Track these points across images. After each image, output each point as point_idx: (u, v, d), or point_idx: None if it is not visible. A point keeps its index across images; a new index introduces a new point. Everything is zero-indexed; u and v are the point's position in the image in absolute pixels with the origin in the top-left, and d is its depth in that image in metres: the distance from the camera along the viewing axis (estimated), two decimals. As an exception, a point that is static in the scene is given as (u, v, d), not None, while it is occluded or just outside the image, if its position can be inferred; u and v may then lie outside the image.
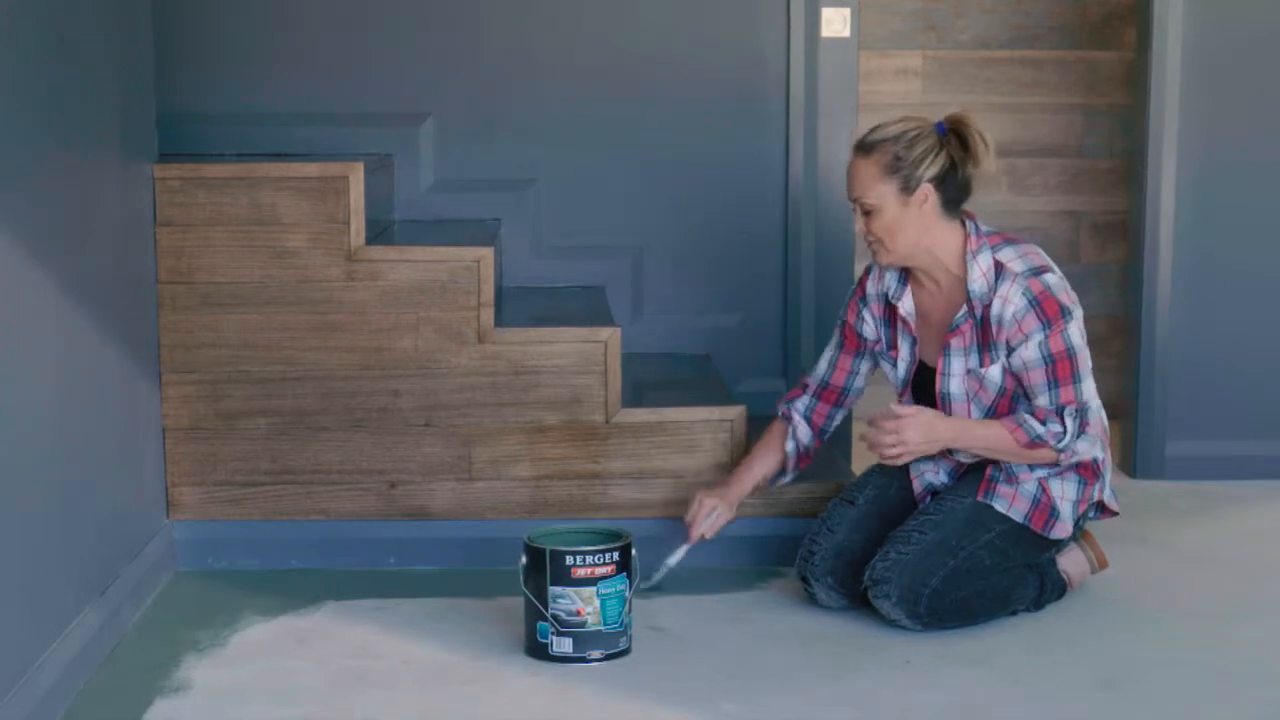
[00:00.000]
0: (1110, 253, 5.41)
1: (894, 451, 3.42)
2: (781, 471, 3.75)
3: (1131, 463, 4.70)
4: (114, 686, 3.14)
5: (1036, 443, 3.40)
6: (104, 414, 3.38)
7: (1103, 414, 3.50)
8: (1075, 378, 3.41)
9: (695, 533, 3.66)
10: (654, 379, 4.27)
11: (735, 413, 3.88)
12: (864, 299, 3.64)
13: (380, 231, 4.10)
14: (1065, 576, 3.60)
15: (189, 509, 3.84)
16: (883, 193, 3.44)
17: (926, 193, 3.43)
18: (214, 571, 3.83)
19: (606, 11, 4.60)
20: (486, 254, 3.83)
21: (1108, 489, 3.59)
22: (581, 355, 3.84)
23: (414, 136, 4.59)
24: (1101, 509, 3.62)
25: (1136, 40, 4.72)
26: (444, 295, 3.81)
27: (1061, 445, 3.40)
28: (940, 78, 5.32)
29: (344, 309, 3.80)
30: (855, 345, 3.68)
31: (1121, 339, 4.96)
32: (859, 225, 3.50)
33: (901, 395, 3.60)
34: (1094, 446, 3.45)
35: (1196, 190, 4.61)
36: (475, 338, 3.82)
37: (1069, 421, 3.39)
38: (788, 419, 3.73)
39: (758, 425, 3.91)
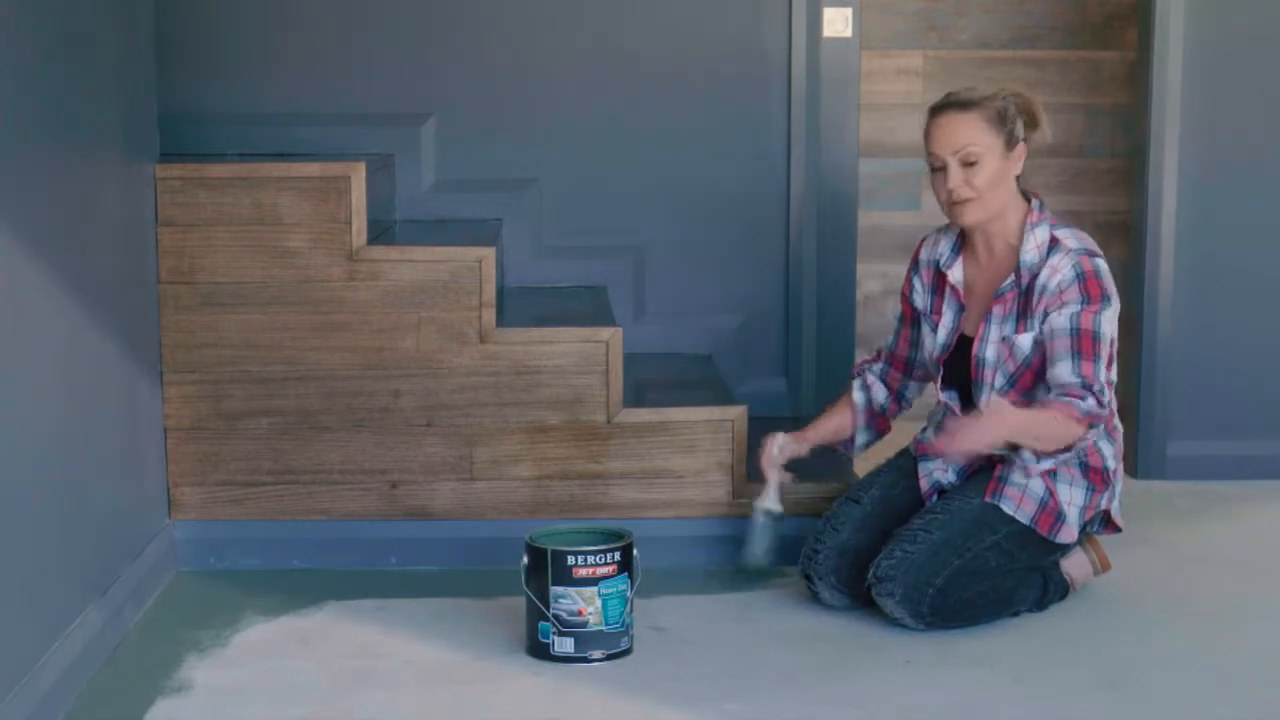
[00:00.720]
0: (1112, 252, 5.38)
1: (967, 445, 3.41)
2: (865, 429, 3.74)
3: (1132, 463, 4.69)
4: (115, 686, 3.14)
5: (1086, 416, 3.36)
6: (105, 414, 3.38)
7: (1114, 406, 3.49)
8: (1096, 357, 3.40)
9: (767, 466, 3.68)
10: (655, 379, 4.27)
11: (737, 413, 3.88)
12: (916, 267, 3.67)
13: (382, 231, 4.10)
14: (1068, 578, 3.60)
15: (190, 509, 3.84)
16: (991, 144, 3.47)
17: (1022, 151, 3.50)
18: (215, 571, 3.83)
19: (608, 11, 4.60)
20: (488, 254, 3.83)
21: (1116, 501, 3.58)
22: (583, 355, 3.84)
23: (415, 136, 4.59)
24: (1106, 522, 3.61)
25: (1138, 40, 4.72)
26: (445, 295, 3.81)
27: (1086, 410, 3.37)
28: (941, 78, 5.32)
29: (345, 309, 3.80)
30: (912, 316, 3.69)
31: (1123, 339, 4.96)
32: (955, 179, 3.46)
33: (940, 361, 3.58)
34: (1100, 435, 3.44)
35: (1198, 190, 4.61)
36: (477, 338, 3.82)
37: (1097, 391, 3.39)
38: (859, 374, 3.76)
39: (759, 425, 3.91)
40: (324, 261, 3.79)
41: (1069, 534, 3.50)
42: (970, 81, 5.32)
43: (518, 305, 4.26)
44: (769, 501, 3.69)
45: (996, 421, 3.38)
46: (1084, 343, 3.40)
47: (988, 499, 3.46)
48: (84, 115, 3.27)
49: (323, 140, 4.49)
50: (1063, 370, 3.40)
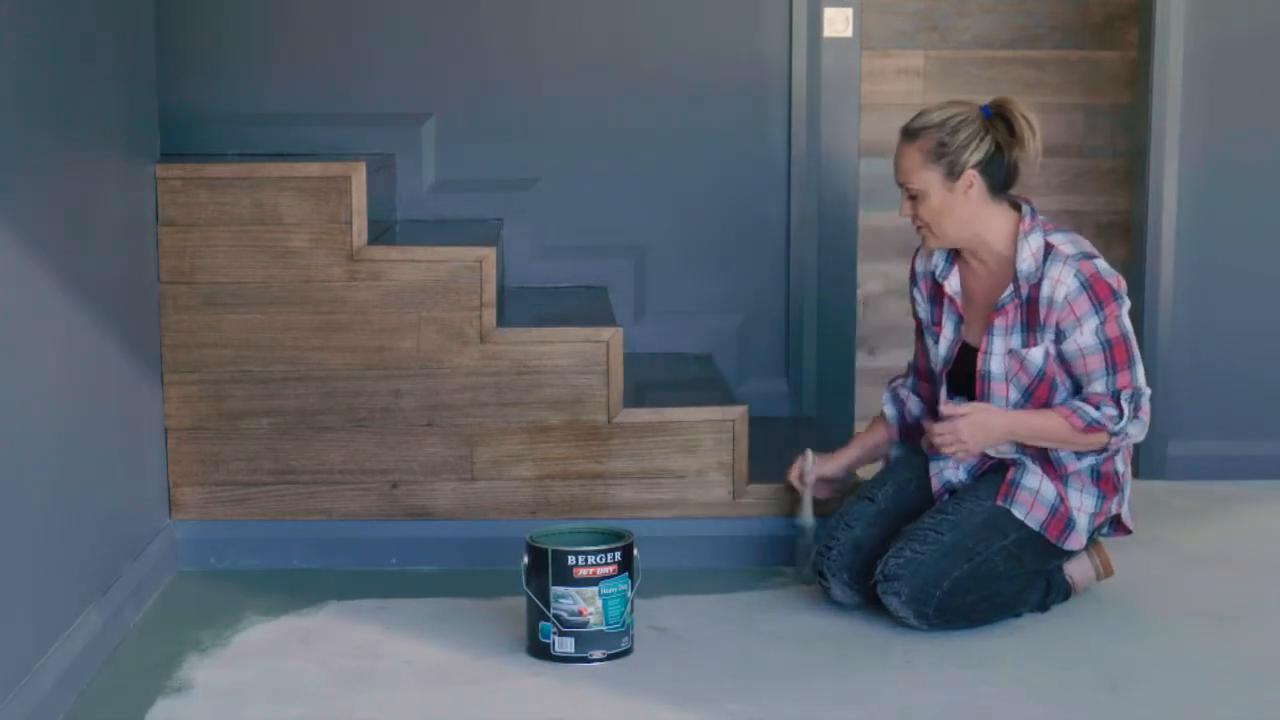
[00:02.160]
0: (1112, 253, 5.40)
1: (952, 450, 3.46)
2: (902, 445, 3.74)
3: (1134, 463, 4.69)
4: (116, 686, 3.14)
5: (1093, 427, 3.39)
6: (106, 414, 3.38)
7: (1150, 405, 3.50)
8: (1131, 362, 3.42)
9: (793, 478, 3.71)
10: (656, 379, 4.26)
11: (737, 413, 3.88)
12: (915, 280, 3.65)
13: (382, 231, 4.10)
14: (1070, 581, 3.59)
15: (191, 509, 3.84)
16: (927, 179, 3.45)
17: (971, 178, 3.44)
18: (216, 571, 3.83)
19: (609, 11, 4.60)
20: (489, 254, 3.83)
21: (1125, 505, 3.58)
22: (584, 355, 3.84)
23: (416, 136, 4.59)
24: (1116, 525, 3.61)
25: (1139, 40, 4.72)
26: (446, 295, 3.81)
27: (1117, 429, 3.40)
28: (942, 78, 5.32)
29: (346, 309, 3.80)
30: (921, 328, 3.69)
31: (1123, 339, 4.96)
32: (904, 209, 3.50)
33: (943, 373, 3.59)
34: (1143, 431, 3.45)
35: (1198, 190, 4.61)
36: (477, 338, 3.82)
37: (1125, 405, 3.40)
38: (891, 389, 3.75)
39: (760, 425, 3.91)
40: (324, 261, 3.79)
41: (1077, 541, 3.50)
42: (970, 82, 5.33)
43: (518, 305, 4.26)
44: (800, 516, 3.72)
45: (983, 428, 3.42)
46: (1117, 353, 3.41)
47: (999, 502, 3.46)
48: (85, 115, 3.27)
49: (323, 140, 4.49)
50: (1097, 386, 3.43)
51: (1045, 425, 3.43)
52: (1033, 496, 3.46)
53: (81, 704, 3.04)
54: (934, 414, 3.66)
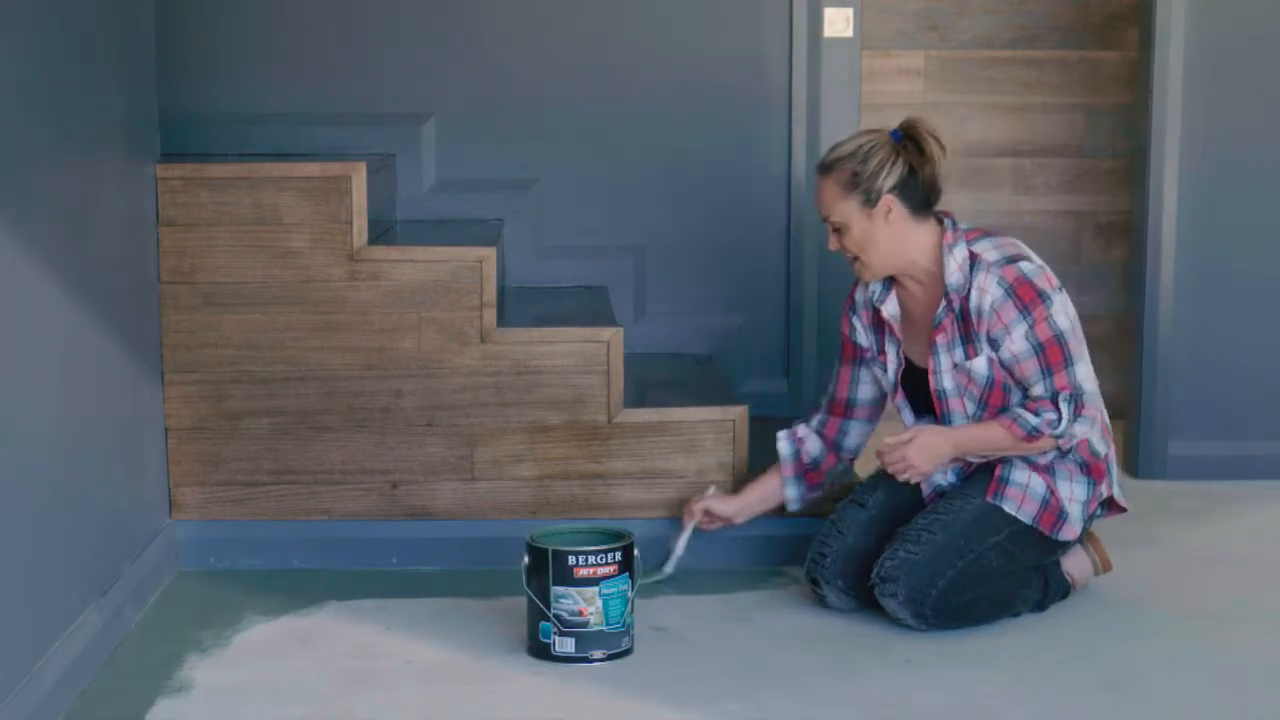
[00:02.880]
0: (1113, 253, 5.40)
1: (905, 476, 3.48)
2: (795, 482, 3.70)
3: (1134, 463, 4.69)
4: (116, 686, 3.14)
5: (1033, 435, 3.41)
6: (106, 414, 3.38)
7: (1099, 399, 3.49)
8: (1067, 362, 3.42)
9: (686, 513, 3.72)
10: (656, 379, 4.26)
11: (737, 413, 3.88)
12: (854, 308, 3.66)
13: (382, 231, 4.10)
14: (1069, 578, 3.59)
15: (191, 509, 3.84)
16: (846, 209, 3.48)
17: (889, 203, 3.46)
18: (216, 571, 3.83)
19: (608, 12, 4.60)
20: (489, 254, 3.83)
21: (1115, 485, 3.58)
22: (584, 355, 3.84)
23: (416, 136, 4.59)
24: (1110, 505, 3.62)
25: (1139, 40, 4.72)
26: (446, 295, 3.81)
27: (1058, 432, 3.41)
28: (942, 78, 5.32)
29: (346, 309, 3.80)
30: (853, 354, 3.68)
31: (1124, 339, 4.96)
32: (832, 244, 3.55)
33: (894, 398, 3.61)
34: (1093, 428, 3.44)
35: (1199, 190, 4.61)
36: (478, 338, 3.82)
37: (1063, 407, 3.40)
38: (790, 428, 3.73)
39: (760, 426, 3.91)
40: (325, 261, 3.79)
41: (1071, 531, 3.51)
42: (970, 82, 5.33)
43: (519, 305, 4.26)
44: (673, 543, 3.72)
45: (929, 450, 3.45)
46: (1050, 355, 3.41)
47: (989, 499, 3.46)
48: (85, 115, 3.27)
49: (323, 140, 4.49)
50: (1037, 390, 3.43)
51: (990, 436, 3.45)
52: (1022, 491, 3.46)
53: (81, 704, 3.04)
54: (835, 453, 3.70)
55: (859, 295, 3.65)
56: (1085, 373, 3.45)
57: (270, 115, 4.53)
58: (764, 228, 4.66)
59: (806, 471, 3.71)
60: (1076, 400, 3.41)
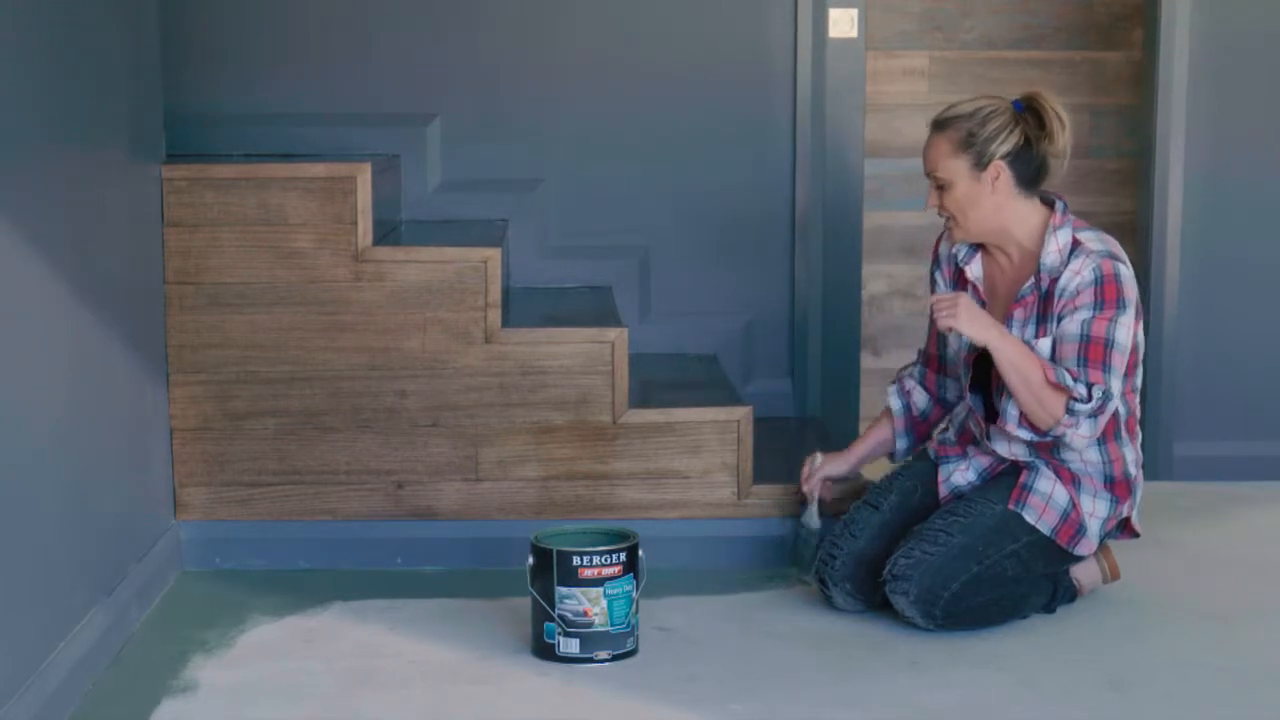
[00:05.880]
0: (1117, 253, 5.40)
1: (946, 313, 3.39)
2: (905, 435, 3.72)
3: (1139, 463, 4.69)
4: (121, 686, 3.14)
5: (1059, 386, 3.33)
6: (112, 414, 3.38)
7: (1135, 423, 3.47)
8: (1105, 367, 3.36)
9: (804, 483, 3.73)
10: (661, 379, 4.26)
11: (742, 413, 3.88)
12: (938, 262, 3.65)
13: (387, 232, 4.10)
14: (1076, 583, 3.59)
15: (196, 509, 3.84)
16: (954, 168, 3.45)
17: (999, 169, 3.43)
18: (221, 571, 3.83)
19: (614, 12, 4.60)
20: (494, 254, 3.83)
21: (1136, 509, 3.57)
22: (589, 356, 3.84)
23: (421, 137, 4.59)
24: (1124, 527, 3.60)
25: (1144, 40, 4.72)
26: (451, 296, 3.81)
27: (1074, 409, 3.34)
28: (947, 78, 5.32)
29: (351, 309, 3.80)
30: None
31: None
32: (931, 200, 3.50)
33: (968, 359, 3.55)
34: (1095, 431, 3.37)
35: (1204, 190, 4.61)
36: (482, 338, 3.82)
37: (1095, 393, 3.35)
38: (897, 380, 3.75)
39: (764, 426, 3.91)
40: (330, 262, 3.79)
41: (1088, 546, 3.49)
42: (975, 82, 5.32)
43: (523, 305, 4.26)
44: (805, 517, 3.72)
45: (978, 313, 3.39)
46: (1091, 349, 3.36)
47: (1011, 506, 3.44)
48: (90, 116, 3.27)
49: (328, 140, 4.49)
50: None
51: (1026, 356, 3.36)
52: (1045, 501, 3.45)
53: (87, 704, 3.04)
54: (941, 405, 3.69)
55: (943, 249, 3.63)
56: (1120, 390, 3.40)
57: (275, 116, 4.54)
58: (769, 228, 4.66)
59: (916, 424, 3.73)
60: (1104, 400, 3.36)
